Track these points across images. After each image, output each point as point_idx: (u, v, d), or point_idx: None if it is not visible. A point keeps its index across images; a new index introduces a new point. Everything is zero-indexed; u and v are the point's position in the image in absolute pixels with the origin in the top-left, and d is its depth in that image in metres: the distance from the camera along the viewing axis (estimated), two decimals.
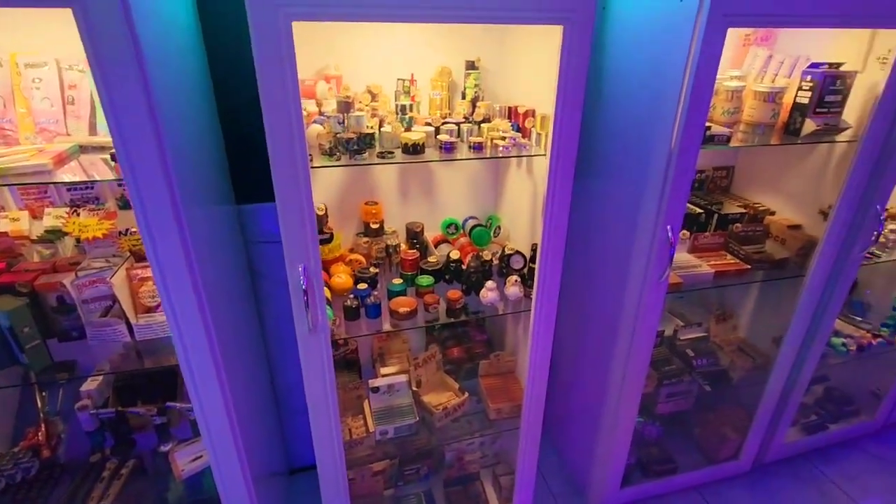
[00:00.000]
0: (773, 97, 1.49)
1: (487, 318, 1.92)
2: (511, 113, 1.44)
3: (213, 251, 1.20)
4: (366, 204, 1.58)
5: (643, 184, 1.42)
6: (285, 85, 0.95)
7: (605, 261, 1.67)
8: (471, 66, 1.49)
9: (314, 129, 1.22)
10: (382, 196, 1.64)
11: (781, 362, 1.84)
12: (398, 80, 1.47)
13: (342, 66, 1.43)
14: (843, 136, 1.52)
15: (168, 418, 1.46)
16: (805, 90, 1.47)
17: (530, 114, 1.37)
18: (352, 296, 1.38)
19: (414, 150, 1.20)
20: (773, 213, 1.83)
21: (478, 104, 1.46)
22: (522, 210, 1.54)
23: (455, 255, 1.52)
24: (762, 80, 1.64)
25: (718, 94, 1.53)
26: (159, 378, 1.49)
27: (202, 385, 1.15)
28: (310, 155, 1.10)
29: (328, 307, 1.31)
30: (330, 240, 1.48)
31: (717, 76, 1.57)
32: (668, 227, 1.39)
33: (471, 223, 1.69)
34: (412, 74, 1.45)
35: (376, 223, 1.57)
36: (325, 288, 1.43)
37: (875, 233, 1.63)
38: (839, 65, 1.44)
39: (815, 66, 1.46)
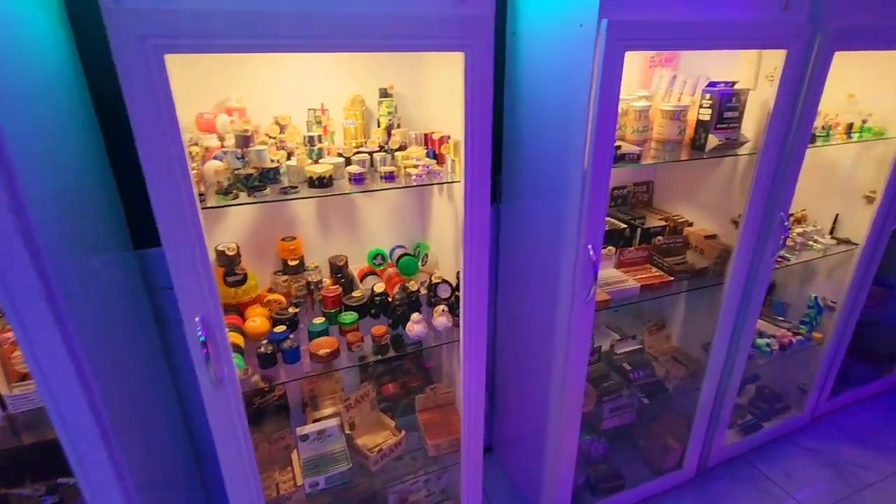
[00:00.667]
0: (678, 115, 1.55)
1: (424, 349, 1.86)
2: (427, 139, 1.41)
3: (97, 304, 1.07)
4: (283, 240, 1.49)
5: (563, 204, 1.42)
6: (161, 124, 0.87)
7: (536, 282, 1.66)
8: (384, 93, 1.45)
9: (212, 166, 1.14)
10: (302, 230, 1.55)
11: (712, 367, 1.89)
12: (309, 110, 1.41)
13: (247, 98, 1.36)
14: (744, 150, 1.60)
15: (61, 497, 1.28)
16: (706, 108, 1.54)
17: (445, 140, 1.35)
18: (266, 341, 1.28)
19: (320, 183, 1.14)
20: (691, 225, 1.89)
21: (393, 132, 1.42)
22: (448, 236, 1.51)
23: (380, 288, 1.46)
24: (668, 100, 1.72)
25: (628, 114, 1.58)
26: (50, 450, 1.31)
27: (86, 460, 1.01)
28: (202, 195, 1.02)
29: (239, 356, 1.21)
30: (243, 281, 1.38)
31: (628, 97, 1.63)
32: (590, 246, 1.39)
33: (398, 252, 1.64)
34: (322, 104, 1.40)
35: (295, 259, 1.48)
36: (239, 334, 1.33)
37: (782, 238, 1.72)
38: (734, 83, 1.53)
39: (712, 84, 1.54)
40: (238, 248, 1.39)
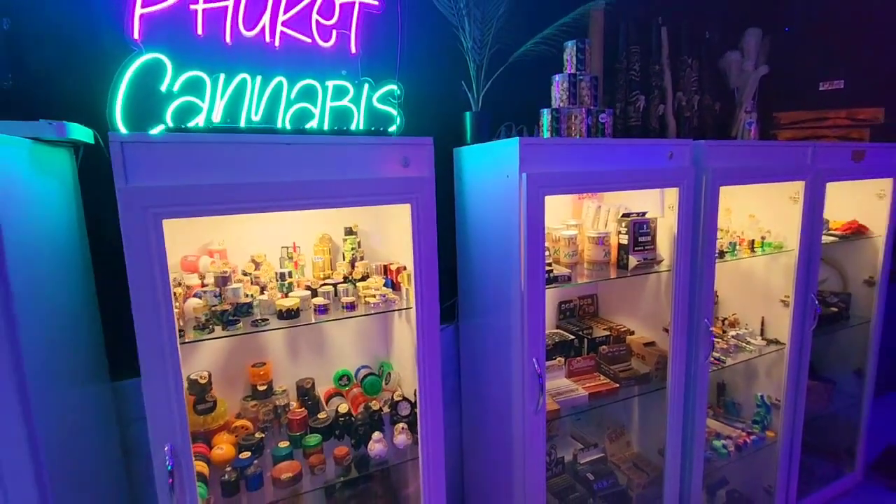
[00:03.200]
0: (602, 241, 1.83)
1: (391, 467, 1.87)
2: (386, 270, 1.62)
3: (72, 437, 1.14)
4: (253, 366, 1.60)
5: (508, 321, 1.60)
6: (154, 275, 1.05)
7: (493, 395, 1.77)
8: (349, 231, 1.69)
9: (191, 304, 1.29)
10: (272, 355, 1.67)
11: (670, 472, 1.95)
12: (282, 247, 1.62)
13: (228, 240, 1.57)
14: (663, 267, 1.86)
15: None
16: (623, 233, 1.82)
17: (402, 270, 1.56)
18: (230, 468, 1.33)
19: (289, 315, 1.30)
20: (632, 333, 2.09)
21: (356, 264, 1.63)
22: (409, 355, 1.65)
23: (343, 408, 1.55)
24: (595, 226, 2.01)
25: (560, 241, 1.84)
26: None
27: None
28: (182, 331, 1.16)
29: (202, 485, 1.25)
30: (213, 409, 1.46)
31: (560, 226, 1.91)
32: (534, 359, 1.55)
33: (363, 372, 1.75)
34: (294, 242, 1.61)
35: (264, 384, 1.58)
36: (204, 462, 1.37)
37: (711, 341, 1.91)
38: (644, 213, 1.83)
39: (626, 214, 1.84)
40: (210, 375, 1.49)
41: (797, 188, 2.11)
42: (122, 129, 1.37)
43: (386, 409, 1.60)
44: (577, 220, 2.00)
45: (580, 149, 1.59)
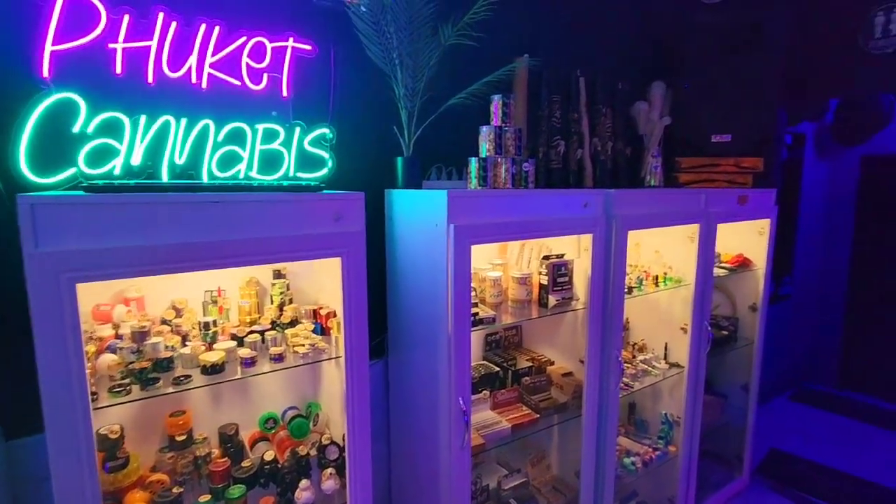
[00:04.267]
0: (524, 280, 1.95)
1: None
2: (316, 315, 1.63)
3: None
4: (171, 415, 1.54)
5: (436, 361, 1.67)
6: (65, 344, 1.00)
7: (421, 433, 1.83)
8: (278, 274, 1.68)
9: (105, 360, 1.24)
10: (192, 402, 1.62)
11: (585, 493, 2.10)
12: (206, 291, 1.58)
13: (146, 286, 1.50)
14: (579, 305, 2.02)
15: None
16: (544, 274, 1.96)
17: (332, 315, 1.58)
18: None
19: (213, 370, 1.28)
20: (552, 363, 2.24)
21: (285, 308, 1.63)
22: (337, 394, 1.66)
23: (269, 455, 1.53)
24: (519, 265, 2.14)
25: (486, 281, 1.94)
26: None
27: None
28: (95, 393, 1.11)
29: None
30: (124, 465, 1.39)
31: (486, 266, 2.02)
32: (460, 398, 1.63)
33: (290, 414, 1.73)
34: (219, 287, 1.58)
35: (183, 434, 1.52)
36: None
37: (620, 370, 2.10)
38: (562, 255, 1.98)
39: (546, 256, 1.98)
40: (122, 429, 1.41)
41: (694, 229, 2.38)
42: (27, 173, 1.28)
43: (314, 453, 1.60)
44: (503, 259, 2.12)
45: (505, 200, 1.70)
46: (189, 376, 1.27)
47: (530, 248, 2.15)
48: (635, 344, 2.67)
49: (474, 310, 1.75)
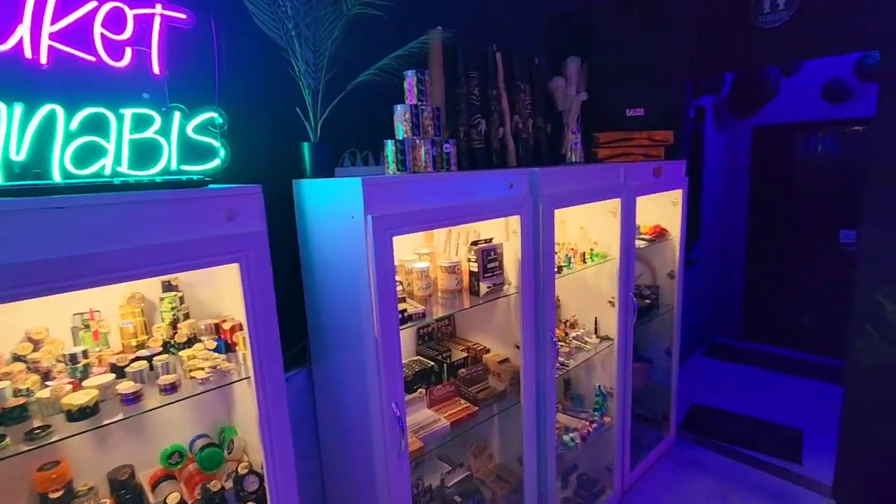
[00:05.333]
0: (453, 269, 1.84)
1: None
2: (218, 329, 1.41)
3: None
4: (40, 470, 1.26)
5: (364, 365, 1.52)
6: None
7: (354, 442, 1.68)
8: (168, 286, 1.43)
9: None
10: (68, 449, 1.34)
11: (528, 477, 2.08)
12: (74, 315, 1.30)
13: None
14: (511, 289, 1.96)
15: None
16: (473, 261, 1.86)
17: (237, 328, 1.37)
18: None
19: (82, 414, 1.04)
20: (488, 351, 2.17)
21: (179, 325, 1.39)
22: (254, 415, 1.46)
23: (175, 497, 1.32)
24: (447, 252, 2.03)
25: (413, 273, 1.81)
26: None
27: None
28: None
29: None
30: None
31: (411, 258, 1.88)
32: (393, 403, 1.49)
33: (199, 444, 1.51)
34: (90, 308, 1.31)
35: (58, 490, 1.26)
36: None
37: (556, 352, 2.07)
38: (490, 239, 1.89)
39: (475, 242, 1.89)
40: None
41: (615, 204, 2.40)
42: None
43: (230, 486, 1.40)
44: (430, 248, 1.99)
45: (426, 184, 1.56)
46: (49, 427, 1.02)
47: (458, 234, 2.05)
48: (567, 321, 2.68)
49: (402, 305, 1.61)
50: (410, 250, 1.95)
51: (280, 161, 1.69)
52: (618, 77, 2.72)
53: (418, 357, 2.11)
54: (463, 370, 2.00)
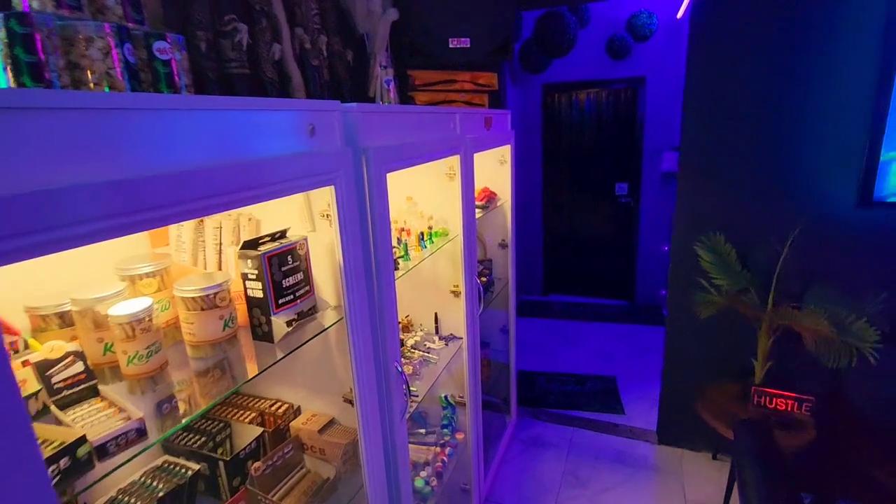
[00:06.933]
0: (211, 300, 0.93)
1: None
2: None
3: None
4: None
5: None
6: None
7: None
8: None
9: None
10: None
11: None
12: None
13: None
14: (330, 315, 1.15)
15: None
16: (254, 279, 0.98)
17: None
18: None
19: None
20: (298, 413, 1.32)
21: None
22: None
23: None
24: (197, 264, 1.08)
25: (113, 329, 0.83)
26: None
27: None
28: None
29: None
30: None
31: (115, 277, 0.88)
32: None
33: None
34: None
35: None
36: None
37: (403, 387, 1.38)
38: (284, 232, 1.03)
39: (249, 243, 1.00)
40: None
41: (453, 162, 1.77)
42: None
43: None
44: (156, 263, 1.01)
45: (96, 122, 0.61)
46: None
47: (215, 227, 1.12)
48: (399, 322, 2.01)
49: (71, 426, 0.66)
50: (113, 271, 0.94)
51: None
52: None
53: (167, 457, 1.14)
54: (257, 463, 1.14)
